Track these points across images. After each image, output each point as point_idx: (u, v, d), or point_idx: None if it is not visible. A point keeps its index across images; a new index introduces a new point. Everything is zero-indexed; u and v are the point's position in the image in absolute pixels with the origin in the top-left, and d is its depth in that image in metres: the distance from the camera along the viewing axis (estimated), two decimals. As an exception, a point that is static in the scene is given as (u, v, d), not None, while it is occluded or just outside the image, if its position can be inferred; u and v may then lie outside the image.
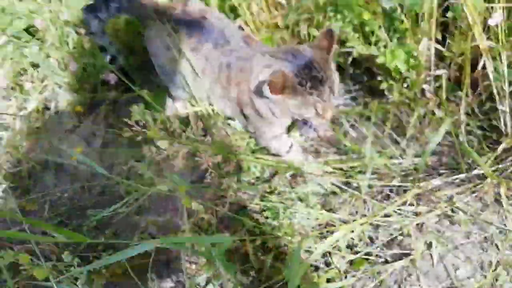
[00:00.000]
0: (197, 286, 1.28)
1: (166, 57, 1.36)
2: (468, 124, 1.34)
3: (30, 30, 1.78)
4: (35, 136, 1.72)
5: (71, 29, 1.70)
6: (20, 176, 1.67)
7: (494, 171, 1.22)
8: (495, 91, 1.19)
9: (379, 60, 1.33)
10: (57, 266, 1.30)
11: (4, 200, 1.57)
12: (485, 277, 1.15)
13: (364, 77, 1.61)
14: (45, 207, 1.61)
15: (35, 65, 1.78)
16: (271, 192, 1.37)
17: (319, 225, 1.32)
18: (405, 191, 1.30)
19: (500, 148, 1.21)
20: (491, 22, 1.04)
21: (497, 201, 1.24)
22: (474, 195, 1.26)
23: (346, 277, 1.22)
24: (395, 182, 1.32)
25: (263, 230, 1.29)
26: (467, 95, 1.29)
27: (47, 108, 1.79)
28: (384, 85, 1.44)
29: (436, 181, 1.28)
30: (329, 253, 1.27)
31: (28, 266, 1.12)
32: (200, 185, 1.41)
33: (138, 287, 1.20)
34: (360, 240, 1.28)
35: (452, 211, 1.25)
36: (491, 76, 1.16)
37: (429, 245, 1.23)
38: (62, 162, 1.70)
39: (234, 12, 1.56)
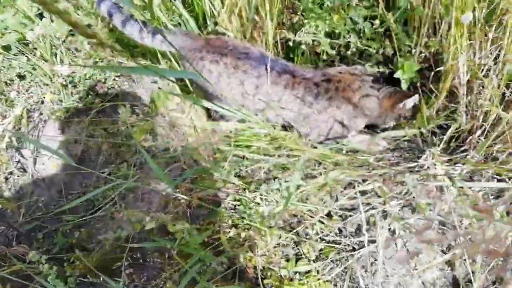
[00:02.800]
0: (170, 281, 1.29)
1: (237, 90, 1.43)
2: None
3: (19, 44, 1.88)
4: (16, 143, 1.77)
5: (60, 42, 1.81)
6: (-4, 181, 1.69)
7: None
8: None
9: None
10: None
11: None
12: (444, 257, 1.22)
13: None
14: (21, 212, 1.62)
15: (21, 76, 1.86)
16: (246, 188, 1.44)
17: (293, 215, 1.38)
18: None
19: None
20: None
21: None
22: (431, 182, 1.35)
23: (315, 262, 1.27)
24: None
25: (236, 223, 1.35)
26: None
27: (30, 117, 1.85)
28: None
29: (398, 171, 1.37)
30: (300, 243, 1.32)
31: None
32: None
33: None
34: (330, 231, 1.34)
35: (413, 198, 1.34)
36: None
37: (393, 232, 1.31)
38: (40, 169, 1.74)
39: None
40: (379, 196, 1.36)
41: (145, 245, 1.19)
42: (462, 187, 1.21)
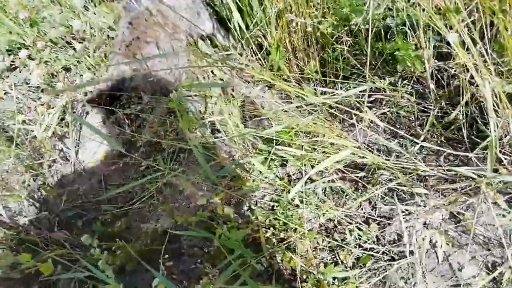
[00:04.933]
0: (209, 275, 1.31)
1: None
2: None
3: (65, 38, 1.95)
4: (59, 132, 1.83)
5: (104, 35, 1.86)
6: (42, 167, 1.75)
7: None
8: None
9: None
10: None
11: (27, 186, 1.64)
12: (490, 276, 1.17)
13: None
14: (62, 199, 1.67)
15: (67, 69, 1.92)
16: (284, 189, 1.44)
17: (329, 219, 1.36)
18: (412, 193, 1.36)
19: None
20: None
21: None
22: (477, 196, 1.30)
23: (352, 270, 1.25)
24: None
25: (273, 223, 1.34)
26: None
27: (73, 108, 1.91)
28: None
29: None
30: (337, 248, 1.31)
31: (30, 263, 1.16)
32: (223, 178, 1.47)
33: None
34: (368, 238, 1.32)
35: (458, 212, 1.30)
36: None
37: (434, 244, 1.27)
38: (81, 159, 1.79)
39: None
40: (419, 205, 1.33)
41: (188, 233, 1.19)
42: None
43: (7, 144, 1.78)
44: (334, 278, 1.19)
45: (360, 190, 1.40)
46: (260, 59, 1.75)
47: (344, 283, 1.18)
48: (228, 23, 1.80)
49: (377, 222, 1.35)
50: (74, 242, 1.48)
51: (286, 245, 1.24)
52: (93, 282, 1.32)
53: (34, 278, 1.46)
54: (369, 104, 1.55)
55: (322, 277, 1.15)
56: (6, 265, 1.41)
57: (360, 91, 1.21)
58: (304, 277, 1.21)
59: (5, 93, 1.99)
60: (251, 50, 1.74)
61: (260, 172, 1.46)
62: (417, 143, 1.31)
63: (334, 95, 1.27)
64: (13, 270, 1.37)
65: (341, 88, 1.60)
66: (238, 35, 1.75)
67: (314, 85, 1.64)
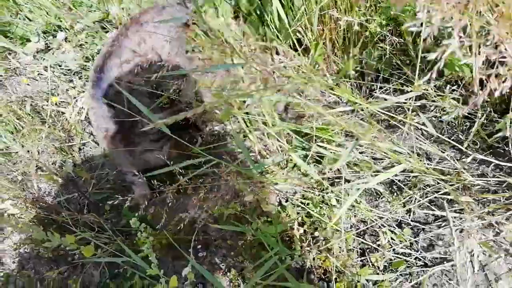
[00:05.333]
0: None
1: None
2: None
3: (102, 23, 1.96)
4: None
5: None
6: (72, 150, 1.77)
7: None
8: None
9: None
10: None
11: (58, 167, 1.66)
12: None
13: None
14: (92, 182, 1.69)
15: (101, 53, 1.93)
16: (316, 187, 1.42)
17: (362, 221, 1.34)
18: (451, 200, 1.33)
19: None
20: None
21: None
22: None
23: (383, 273, 1.23)
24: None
25: (305, 221, 1.33)
26: None
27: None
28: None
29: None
30: (367, 250, 1.29)
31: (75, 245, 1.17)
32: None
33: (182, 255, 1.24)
34: (401, 241, 1.29)
35: (496, 222, 1.27)
36: None
37: (471, 253, 1.24)
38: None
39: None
40: (455, 211, 1.30)
41: (225, 227, 1.19)
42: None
43: (39, 125, 1.80)
44: (367, 281, 1.17)
45: (395, 194, 1.37)
46: (298, 55, 1.73)
47: (378, 286, 1.16)
48: (259, 15, 1.76)
49: (410, 226, 1.33)
50: (102, 225, 1.49)
51: (321, 244, 1.23)
52: (125, 265, 1.33)
53: (63, 258, 1.48)
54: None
55: (356, 279, 1.13)
56: (38, 244, 1.43)
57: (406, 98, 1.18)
58: (337, 277, 1.20)
59: (38, 74, 2.01)
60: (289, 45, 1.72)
61: (293, 167, 1.45)
62: (462, 151, 1.28)
63: (384, 100, 1.25)
64: (44, 249, 1.38)
65: (380, 88, 1.57)
66: (275, 28, 1.72)
67: (351, 85, 1.62)
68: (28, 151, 1.70)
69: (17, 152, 1.71)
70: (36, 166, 1.65)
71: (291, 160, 1.45)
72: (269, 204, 1.11)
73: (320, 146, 1.16)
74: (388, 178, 1.35)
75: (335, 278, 1.16)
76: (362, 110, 1.38)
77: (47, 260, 1.45)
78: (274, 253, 0.98)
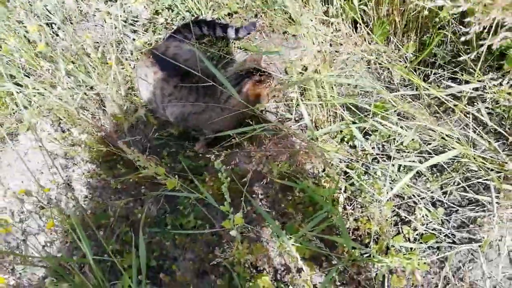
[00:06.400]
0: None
1: None
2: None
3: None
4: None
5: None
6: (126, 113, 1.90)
7: None
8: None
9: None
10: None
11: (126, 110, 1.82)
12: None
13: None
14: (154, 127, 1.83)
15: (169, 8, 2.04)
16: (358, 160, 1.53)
17: (399, 195, 1.45)
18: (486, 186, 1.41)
19: None
20: None
21: None
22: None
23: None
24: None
25: (348, 188, 1.45)
26: None
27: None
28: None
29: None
30: (401, 222, 1.41)
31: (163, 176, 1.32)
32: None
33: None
34: (433, 218, 1.40)
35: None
36: None
37: (500, 238, 1.34)
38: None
39: None
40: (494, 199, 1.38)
41: (288, 182, 1.31)
42: None
43: (106, 68, 1.93)
44: (401, 247, 1.30)
45: (435, 175, 1.47)
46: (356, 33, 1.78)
47: (409, 254, 1.29)
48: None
49: (445, 207, 1.43)
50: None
51: (363, 209, 1.36)
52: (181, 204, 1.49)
53: (126, 191, 1.67)
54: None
55: (391, 243, 1.26)
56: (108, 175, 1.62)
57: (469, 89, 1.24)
58: (377, 239, 1.33)
59: (104, 21, 2.14)
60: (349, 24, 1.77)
61: (342, 139, 1.55)
62: (506, 143, 1.35)
63: (445, 87, 1.31)
64: (114, 179, 1.57)
65: (434, 74, 1.62)
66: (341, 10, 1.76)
67: (406, 67, 1.68)
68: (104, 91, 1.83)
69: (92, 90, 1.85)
70: (111, 107, 1.79)
71: (340, 132, 1.56)
72: (330, 168, 1.23)
73: (376, 121, 1.25)
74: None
75: (374, 240, 1.29)
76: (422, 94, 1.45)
77: (112, 191, 1.64)
78: (324, 211, 1.12)
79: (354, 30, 1.76)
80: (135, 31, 2.11)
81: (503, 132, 1.32)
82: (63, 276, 1.14)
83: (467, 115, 1.45)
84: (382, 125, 1.27)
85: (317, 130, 1.52)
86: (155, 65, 1.64)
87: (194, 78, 1.45)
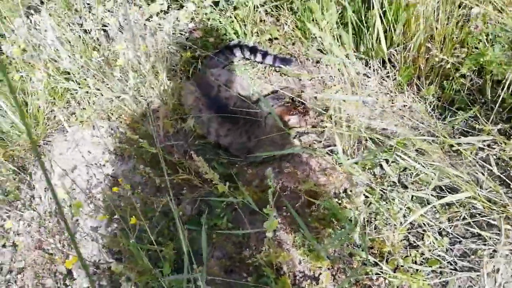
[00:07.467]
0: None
1: None
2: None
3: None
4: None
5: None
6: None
7: None
8: None
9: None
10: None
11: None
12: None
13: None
14: (194, 134, 2.04)
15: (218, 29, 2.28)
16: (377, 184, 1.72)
17: (410, 222, 1.64)
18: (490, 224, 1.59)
19: None
20: None
21: None
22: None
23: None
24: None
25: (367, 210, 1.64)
26: None
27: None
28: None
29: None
30: (409, 246, 1.59)
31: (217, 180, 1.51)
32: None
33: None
34: (438, 246, 1.58)
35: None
36: None
37: (497, 270, 1.51)
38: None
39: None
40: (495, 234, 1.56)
41: (315, 200, 1.50)
42: None
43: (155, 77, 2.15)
44: (408, 268, 1.48)
45: (444, 207, 1.65)
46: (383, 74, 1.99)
47: (415, 274, 1.47)
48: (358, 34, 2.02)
49: (450, 237, 1.61)
50: (197, 171, 1.86)
51: (379, 231, 1.54)
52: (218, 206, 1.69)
53: (165, 189, 1.86)
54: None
55: (401, 263, 1.44)
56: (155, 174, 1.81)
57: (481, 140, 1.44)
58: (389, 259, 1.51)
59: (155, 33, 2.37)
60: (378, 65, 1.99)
61: (364, 168, 1.75)
62: (510, 186, 1.53)
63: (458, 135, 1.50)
64: (159, 178, 1.77)
65: (450, 116, 1.82)
66: (371, 49, 1.98)
67: (427, 108, 1.88)
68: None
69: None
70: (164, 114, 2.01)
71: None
72: (354, 189, 1.43)
73: (399, 156, 1.45)
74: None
75: (386, 259, 1.48)
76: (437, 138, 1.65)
77: (156, 189, 1.84)
78: (345, 229, 1.31)
79: (382, 67, 1.98)
80: (184, 47, 2.33)
81: (507, 180, 1.51)
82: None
83: (476, 158, 1.64)
84: (402, 159, 1.46)
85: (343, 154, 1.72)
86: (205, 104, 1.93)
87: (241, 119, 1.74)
